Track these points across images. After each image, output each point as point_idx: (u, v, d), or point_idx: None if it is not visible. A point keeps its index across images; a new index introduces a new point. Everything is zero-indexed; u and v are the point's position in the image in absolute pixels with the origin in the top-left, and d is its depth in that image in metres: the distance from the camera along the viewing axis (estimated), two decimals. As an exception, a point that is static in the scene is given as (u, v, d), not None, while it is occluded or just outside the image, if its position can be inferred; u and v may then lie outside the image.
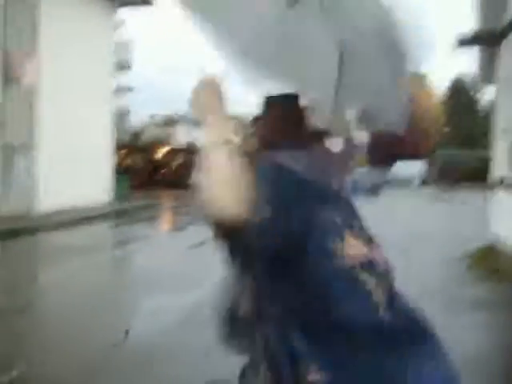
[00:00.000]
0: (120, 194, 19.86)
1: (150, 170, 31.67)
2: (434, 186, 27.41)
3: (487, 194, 12.40)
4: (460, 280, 8.06)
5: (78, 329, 5.52)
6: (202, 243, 10.38)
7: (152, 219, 16.85)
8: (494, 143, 12.05)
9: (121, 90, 28.99)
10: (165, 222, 16.93)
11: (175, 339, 5.23)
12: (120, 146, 26.30)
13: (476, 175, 43.24)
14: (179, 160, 32.81)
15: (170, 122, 61.84)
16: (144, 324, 5.70)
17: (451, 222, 14.72)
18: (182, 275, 8.13)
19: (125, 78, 30.05)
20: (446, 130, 53.14)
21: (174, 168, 31.79)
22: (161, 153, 33.88)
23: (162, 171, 31.82)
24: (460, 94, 53.33)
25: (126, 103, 35.29)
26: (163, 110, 44.71)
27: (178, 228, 14.70)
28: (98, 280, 8.14)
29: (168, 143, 34.41)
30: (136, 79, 51.21)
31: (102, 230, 14.56)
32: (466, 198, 24.61)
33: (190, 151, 34.37)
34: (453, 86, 54.30)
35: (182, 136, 50.48)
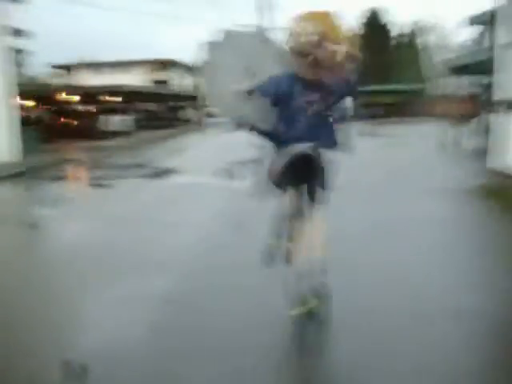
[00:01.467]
0: (29, 149, 17.58)
1: (59, 121, 29.03)
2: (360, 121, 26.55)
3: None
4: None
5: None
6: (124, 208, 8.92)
7: (64, 176, 14.87)
8: (496, 65, 12.03)
9: (18, 33, 26.04)
10: (81, 180, 14.90)
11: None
12: (24, 97, 24.07)
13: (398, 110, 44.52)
14: (89, 108, 30.36)
15: (72, 68, 58.31)
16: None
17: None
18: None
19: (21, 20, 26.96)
20: (363, 65, 53.45)
21: (81, 116, 29.36)
22: (65, 100, 31.17)
23: (68, 120, 29.17)
24: (374, 28, 53.07)
25: (24, 47, 32.38)
26: (64, 58, 42.05)
27: (96, 184, 12.87)
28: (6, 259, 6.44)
29: (71, 90, 31.69)
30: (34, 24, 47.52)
31: (8, 192, 12.52)
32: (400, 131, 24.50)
33: (98, 97, 32.02)
34: (367, 19, 53.86)
35: (84, 81, 47.68)
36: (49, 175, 14.49)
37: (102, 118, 28.99)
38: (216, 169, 14.15)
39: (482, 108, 24.64)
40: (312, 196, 4.25)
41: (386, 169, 13.21)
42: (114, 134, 28.56)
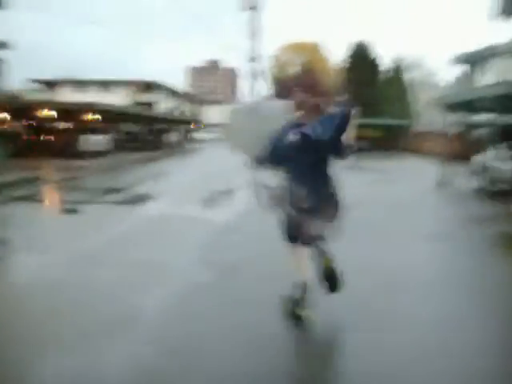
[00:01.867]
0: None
1: (35, 137, 27.79)
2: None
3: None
4: None
5: None
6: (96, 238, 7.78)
7: (32, 197, 13.61)
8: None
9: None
10: (50, 202, 13.62)
11: None
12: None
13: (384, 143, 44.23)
14: (65, 125, 29.17)
15: (52, 84, 57.32)
16: None
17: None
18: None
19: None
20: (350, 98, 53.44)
21: (58, 134, 28.16)
22: (43, 116, 29.95)
23: (45, 137, 27.96)
24: (361, 62, 53.00)
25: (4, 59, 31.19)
26: (43, 73, 41.42)
27: (66, 209, 11.68)
28: None
29: (50, 106, 30.49)
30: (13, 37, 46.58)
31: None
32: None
33: (77, 115, 30.92)
34: (354, 53, 53.83)
35: (65, 98, 46.64)
36: (13, 195, 13.27)
37: (80, 136, 27.80)
38: (197, 197, 13.13)
39: (474, 147, 24.04)
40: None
41: (382, 208, 12.23)
42: (93, 154, 27.43)
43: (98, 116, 32.51)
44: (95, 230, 8.93)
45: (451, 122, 41.84)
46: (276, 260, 6.04)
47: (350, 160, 4.63)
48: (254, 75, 29.60)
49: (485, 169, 16.20)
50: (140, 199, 12.97)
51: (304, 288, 4.59)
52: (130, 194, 13.76)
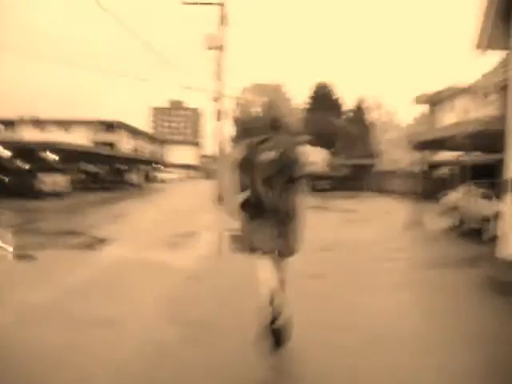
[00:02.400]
0: None
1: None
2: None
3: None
4: None
5: None
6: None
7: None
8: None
9: None
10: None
11: None
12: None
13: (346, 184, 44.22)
14: (22, 165, 28.16)
15: (11, 123, 56.16)
16: None
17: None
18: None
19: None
20: (308, 136, 53.99)
21: (15, 173, 27.10)
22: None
23: (1, 178, 26.88)
24: (322, 102, 53.49)
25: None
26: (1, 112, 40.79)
27: (17, 256, 10.79)
28: None
29: (6, 145, 29.55)
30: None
31: None
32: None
33: (34, 155, 29.98)
34: (315, 93, 54.37)
35: (24, 138, 45.68)
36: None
37: (36, 176, 26.81)
38: (160, 241, 12.45)
39: (439, 186, 23.94)
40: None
41: (351, 252, 11.74)
42: (50, 195, 26.47)
43: (56, 155, 31.63)
44: (48, 280, 8.10)
45: (415, 160, 42.24)
46: (245, 315, 5.61)
47: (314, 200, 5.01)
48: (218, 115, 29.24)
49: (455, 208, 15.98)
50: (98, 243, 12.17)
51: (272, 297, 4.72)
52: (87, 238, 12.94)
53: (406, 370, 4.69)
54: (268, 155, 4.83)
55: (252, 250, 4.89)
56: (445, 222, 16.27)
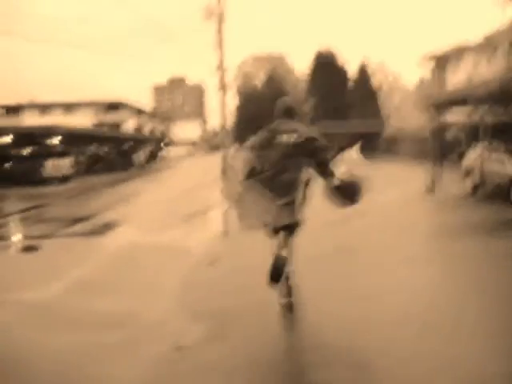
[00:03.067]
0: None
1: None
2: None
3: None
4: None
5: None
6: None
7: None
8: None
9: None
10: (6, 239, 12.10)
11: None
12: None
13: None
14: (24, 150, 27.56)
15: (15, 109, 55.53)
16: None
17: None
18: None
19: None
20: (315, 102, 53.14)
21: (19, 160, 26.52)
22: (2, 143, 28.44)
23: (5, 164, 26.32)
24: (327, 69, 52.41)
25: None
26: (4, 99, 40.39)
27: (23, 247, 10.31)
28: None
29: (9, 132, 28.98)
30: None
31: None
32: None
33: (38, 140, 29.43)
34: (319, 60, 53.24)
35: (28, 123, 45.06)
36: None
37: (43, 161, 26.22)
38: (170, 221, 11.92)
39: (453, 147, 23.25)
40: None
41: (377, 220, 11.13)
42: (57, 180, 25.93)
43: (60, 139, 31.07)
44: (54, 273, 7.52)
45: (425, 123, 41.31)
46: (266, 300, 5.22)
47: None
48: (221, 87, 28.49)
49: (474, 169, 15.26)
50: (107, 228, 11.66)
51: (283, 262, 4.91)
52: (96, 223, 12.41)
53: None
54: (290, 137, 5.05)
55: (261, 226, 5.17)
56: (466, 185, 15.56)
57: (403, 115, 54.28)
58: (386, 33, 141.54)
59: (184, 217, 12.67)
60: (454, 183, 16.41)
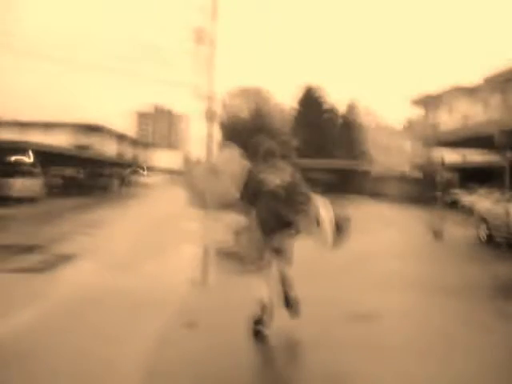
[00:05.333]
0: None
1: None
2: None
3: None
4: None
5: None
6: None
7: None
8: None
9: None
10: None
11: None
12: None
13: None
14: None
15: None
16: None
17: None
18: None
19: None
20: (297, 141, 51.86)
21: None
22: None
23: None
24: (310, 105, 51.44)
25: None
26: None
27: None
28: None
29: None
30: None
31: None
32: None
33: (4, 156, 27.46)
34: (303, 96, 52.29)
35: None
36: None
37: (3, 180, 24.17)
38: (138, 257, 10.06)
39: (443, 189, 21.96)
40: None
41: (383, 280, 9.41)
42: (20, 201, 23.86)
43: (32, 158, 29.18)
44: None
45: (415, 163, 40.09)
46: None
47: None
48: (207, 116, 26.84)
49: (483, 217, 13.78)
50: (62, 262, 9.72)
51: (263, 308, 5.38)
52: (52, 255, 10.45)
53: None
54: (275, 180, 5.48)
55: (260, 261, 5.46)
56: (479, 232, 13.98)
57: (390, 156, 53.27)
58: (374, 73, 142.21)
59: (155, 252, 10.83)
60: (456, 229, 14.87)
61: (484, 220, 13.72)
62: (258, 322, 5.33)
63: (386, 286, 8.10)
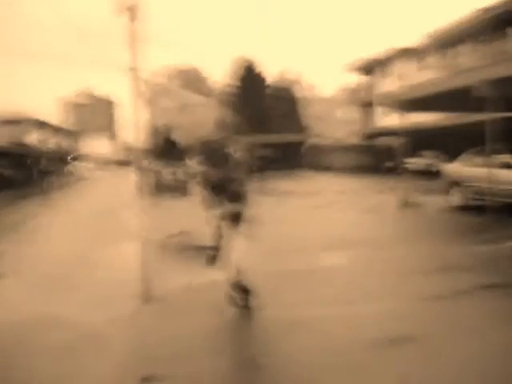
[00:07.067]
0: None
1: None
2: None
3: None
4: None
5: None
6: None
7: None
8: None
9: None
10: None
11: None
12: None
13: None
14: None
15: None
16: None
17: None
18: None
19: None
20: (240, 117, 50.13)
21: None
22: None
23: None
24: (246, 79, 49.76)
25: None
26: None
27: None
28: None
29: None
30: None
31: None
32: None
33: None
34: (239, 69, 50.52)
35: None
36: None
37: None
38: (66, 272, 8.20)
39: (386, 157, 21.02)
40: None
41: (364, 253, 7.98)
42: None
43: None
44: None
45: (353, 132, 39.20)
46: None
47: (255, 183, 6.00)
48: (135, 95, 24.72)
49: (461, 182, 12.66)
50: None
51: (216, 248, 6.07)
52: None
53: None
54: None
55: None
56: (453, 198, 12.85)
57: (325, 125, 52.36)
58: (305, 42, 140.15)
59: (91, 256, 8.98)
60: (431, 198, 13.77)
61: (456, 183, 12.58)
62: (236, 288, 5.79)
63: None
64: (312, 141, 45.95)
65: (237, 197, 5.99)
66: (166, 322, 5.37)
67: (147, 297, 6.30)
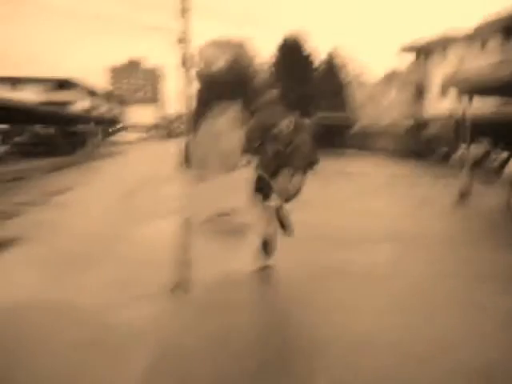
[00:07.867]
0: None
1: None
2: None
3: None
4: None
5: None
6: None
7: None
8: None
9: None
10: None
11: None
12: None
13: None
14: None
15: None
16: None
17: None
18: None
19: None
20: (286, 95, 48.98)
21: None
22: None
23: None
24: (293, 56, 48.57)
25: None
26: None
27: None
28: None
29: None
30: None
31: None
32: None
33: None
34: (285, 47, 49.35)
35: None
36: None
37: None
38: (98, 246, 7.70)
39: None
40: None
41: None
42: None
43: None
44: None
45: (401, 117, 37.83)
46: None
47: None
48: (183, 63, 24.25)
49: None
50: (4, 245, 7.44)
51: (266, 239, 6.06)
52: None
53: None
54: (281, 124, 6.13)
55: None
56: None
57: (376, 107, 50.92)
58: (360, 21, 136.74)
59: (125, 235, 8.50)
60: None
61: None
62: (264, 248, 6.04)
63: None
64: (362, 122, 44.85)
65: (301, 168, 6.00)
66: (204, 319, 4.75)
67: (185, 286, 5.69)
